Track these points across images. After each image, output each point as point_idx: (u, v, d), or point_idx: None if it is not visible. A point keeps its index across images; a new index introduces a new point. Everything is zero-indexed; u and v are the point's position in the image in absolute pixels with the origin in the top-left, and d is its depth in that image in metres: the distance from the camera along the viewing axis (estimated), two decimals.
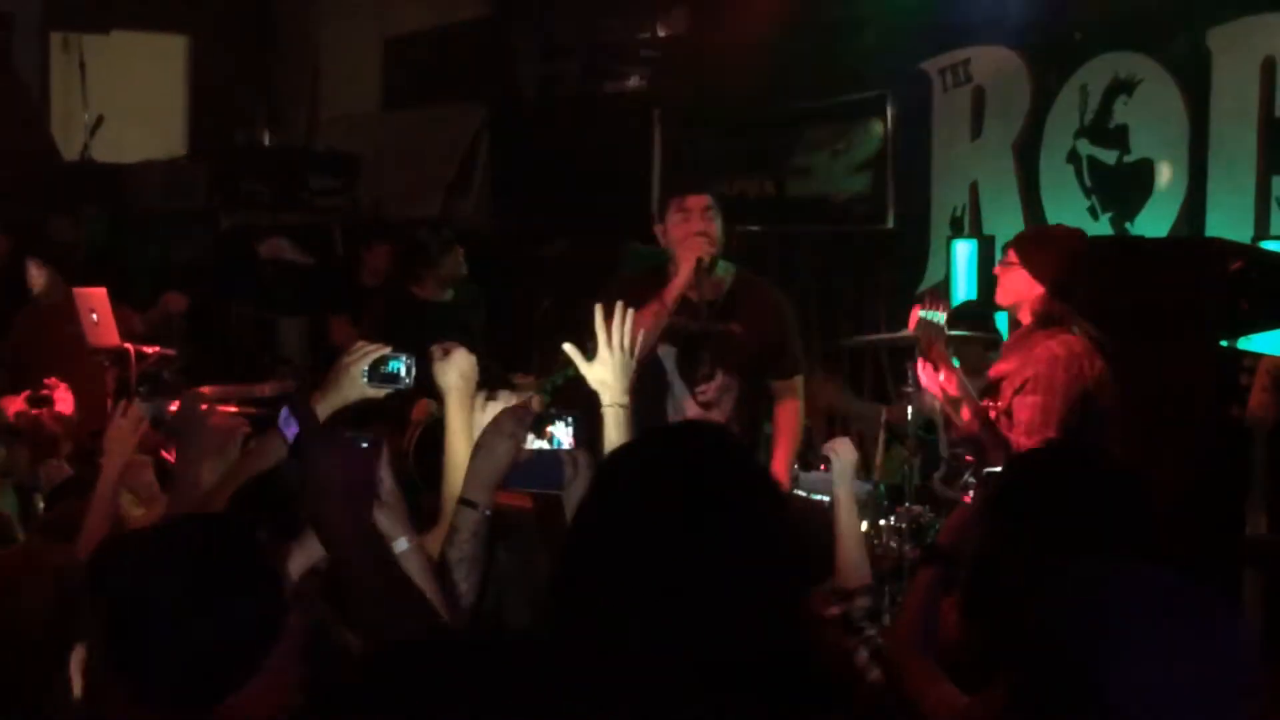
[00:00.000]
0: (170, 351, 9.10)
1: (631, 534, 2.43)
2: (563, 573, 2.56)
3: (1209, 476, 6.61)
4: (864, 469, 8.26)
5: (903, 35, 9.76)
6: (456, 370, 4.51)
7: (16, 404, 7.72)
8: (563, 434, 3.84)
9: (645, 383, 6.17)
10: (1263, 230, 7.98)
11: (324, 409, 4.51)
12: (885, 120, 10.14)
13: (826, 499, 7.20)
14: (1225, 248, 7.13)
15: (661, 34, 11.59)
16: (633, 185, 11.44)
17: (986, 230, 9.47)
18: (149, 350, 8.97)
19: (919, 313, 6.50)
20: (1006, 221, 9.32)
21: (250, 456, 4.54)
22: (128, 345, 8.82)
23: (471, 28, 12.89)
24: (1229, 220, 8.21)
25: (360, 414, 4.66)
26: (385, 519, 3.46)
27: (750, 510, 2.47)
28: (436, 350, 4.52)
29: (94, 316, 8.91)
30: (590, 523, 2.54)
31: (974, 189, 9.65)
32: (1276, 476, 6.17)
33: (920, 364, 6.50)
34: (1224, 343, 6.90)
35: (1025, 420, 6.10)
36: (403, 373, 4.50)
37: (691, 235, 6.57)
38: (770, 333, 6.70)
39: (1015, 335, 6.46)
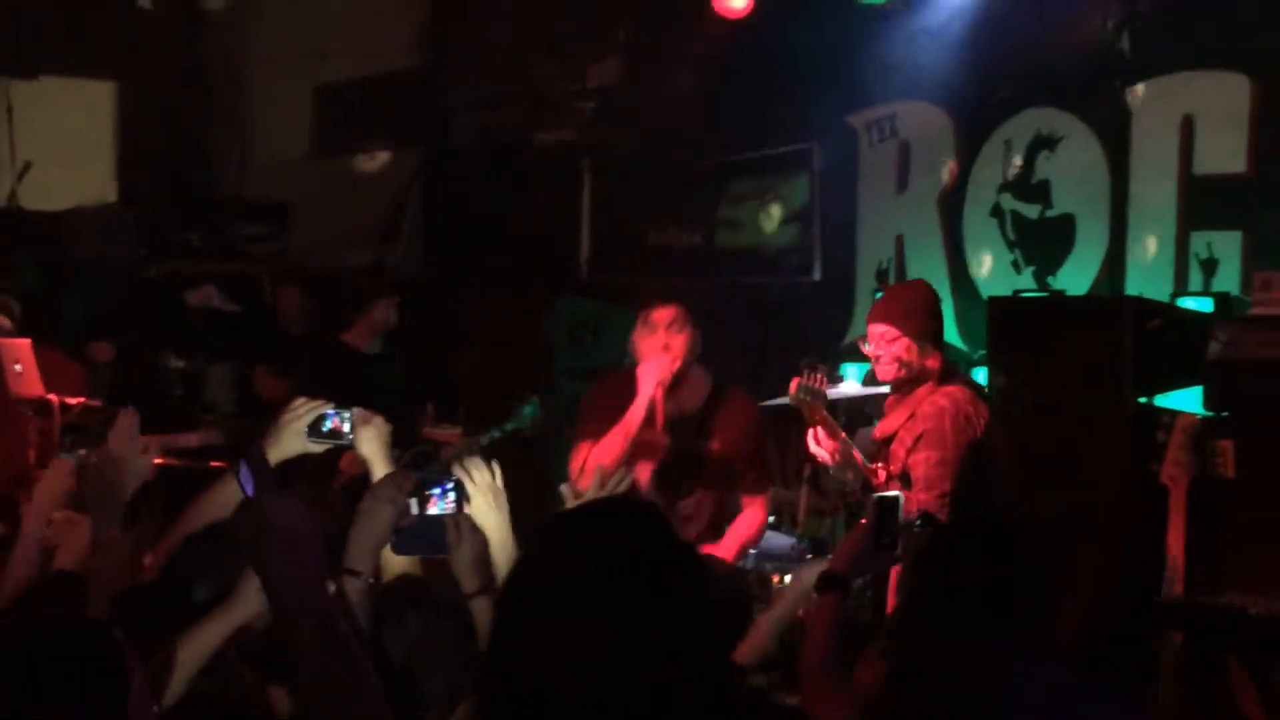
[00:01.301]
0: (96, 402, 9.04)
1: (555, 616, 2.45)
2: (491, 655, 2.58)
3: (1127, 534, 6.68)
4: (789, 521, 8.32)
5: (829, 89, 9.84)
6: (377, 437, 4.54)
7: None
8: (444, 499, 3.85)
9: None
10: (1181, 286, 8.08)
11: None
12: (812, 173, 10.21)
13: (752, 552, 7.25)
14: (1144, 306, 7.22)
15: (594, 84, 11.64)
16: (563, 236, 11.48)
17: None
18: (73, 401, 8.91)
19: (797, 382, 6.52)
20: (931, 274, 9.38)
21: (197, 509, 4.54)
22: (51, 396, 8.76)
23: (404, 76, 12.90)
24: (1149, 276, 8.31)
25: (290, 464, 4.67)
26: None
27: (669, 585, 2.49)
28: (356, 417, 4.54)
29: (18, 367, 8.85)
30: (515, 606, 2.55)
31: (899, 242, 9.74)
32: (1192, 535, 6.24)
33: (809, 431, 6.53)
34: (1142, 400, 6.98)
35: (921, 477, 6.15)
36: (345, 428, 4.52)
37: (656, 351, 6.61)
38: (744, 449, 6.79)
39: (895, 394, 6.50)
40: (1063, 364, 7.09)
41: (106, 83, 13.65)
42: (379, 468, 4.50)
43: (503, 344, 11.16)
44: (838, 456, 6.42)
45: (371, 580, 3.78)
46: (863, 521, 4.35)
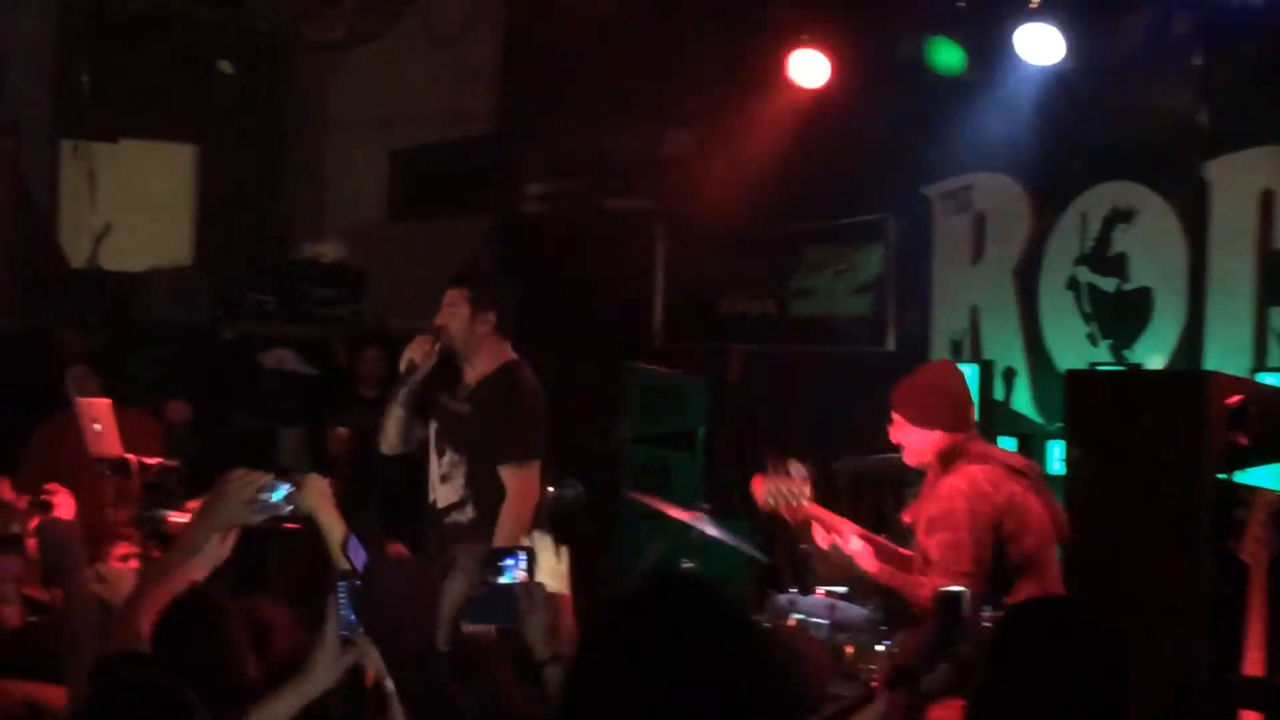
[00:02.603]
0: (173, 463, 9.11)
1: (625, 690, 2.46)
2: None
3: (1205, 612, 6.62)
4: (862, 593, 8.28)
5: (905, 160, 9.86)
6: (319, 494, 4.59)
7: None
8: (514, 568, 3.86)
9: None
10: (1260, 362, 8.04)
11: (201, 534, 4.53)
12: (886, 243, 10.22)
13: (825, 623, 7.23)
14: (1223, 381, 7.18)
15: (666, 152, 11.68)
16: (635, 303, 11.50)
17: (986, 354, 9.53)
18: (151, 461, 8.99)
19: (762, 483, 6.48)
20: (1006, 346, 9.39)
21: (178, 569, 4.59)
22: (129, 455, 8.84)
23: (477, 142, 12.99)
24: (1227, 350, 8.27)
25: None
26: None
27: (738, 664, 2.50)
28: (296, 482, 4.61)
29: (96, 427, 8.93)
30: (586, 679, 2.56)
31: (974, 313, 9.72)
32: (1273, 613, 6.17)
33: (814, 529, 6.48)
34: (1221, 476, 6.92)
35: (938, 560, 6.09)
36: (283, 501, 4.54)
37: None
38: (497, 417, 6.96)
39: (925, 482, 6.47)
40: (1140, 438, 7.05)
41: (186, 146, 13.82)
42: (327, 521, 4.53)
43: (573, 410, 11.17)
44: (845, 545, 6.35)
45: (447, 649, 3.81)
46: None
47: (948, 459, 6.30)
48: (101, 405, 8.88)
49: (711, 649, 2.50)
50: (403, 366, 7.17)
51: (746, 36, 10.20)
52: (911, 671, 4.10)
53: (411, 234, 13.44)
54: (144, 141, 13.60)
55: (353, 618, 3.79)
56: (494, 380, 7.10)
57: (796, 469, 6.41)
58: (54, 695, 4.80)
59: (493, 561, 3.88)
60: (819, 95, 9.78)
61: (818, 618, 7.27)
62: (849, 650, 6.95)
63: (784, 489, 6.38)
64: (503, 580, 3.86)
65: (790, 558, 8.70)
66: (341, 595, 3.89)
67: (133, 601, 4.46)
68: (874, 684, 6.64)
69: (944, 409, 6.38)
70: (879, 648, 7.20)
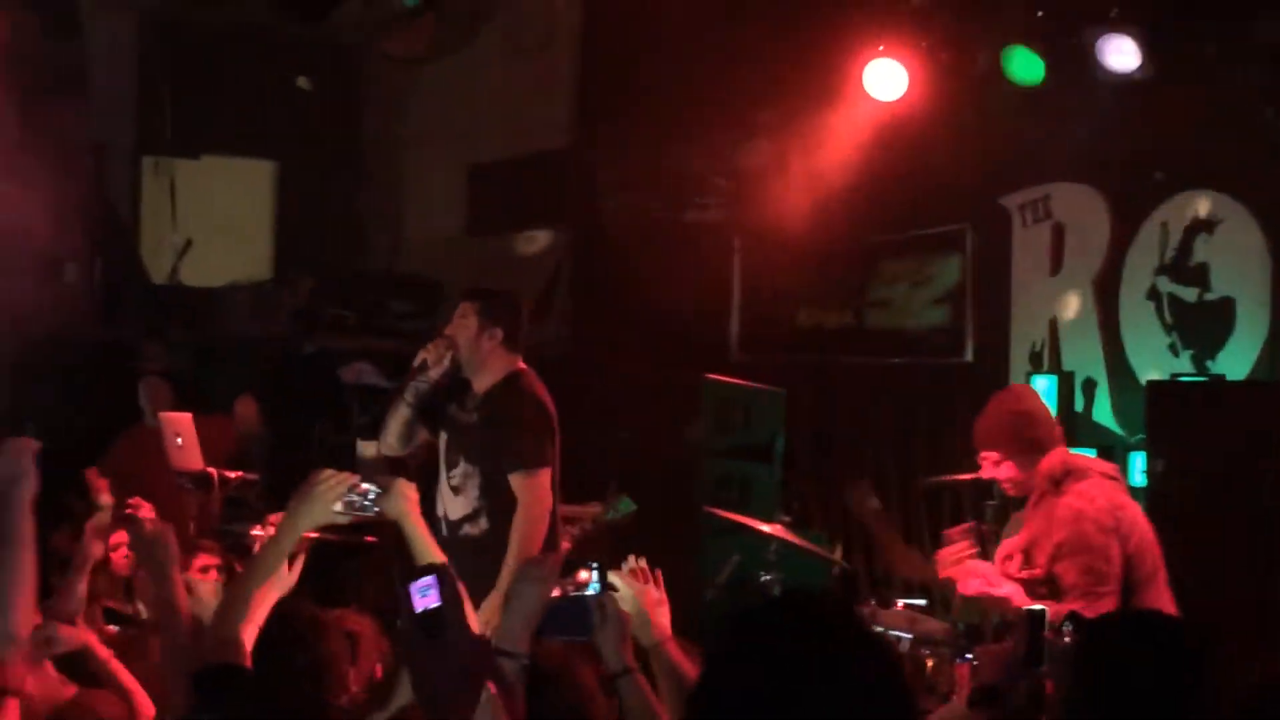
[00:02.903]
0: (253, 476, 9.19)
1: (754, 711, 2.45)
2: None
3: None
4: (943, 606, 8.26)
5: (983, 171, 9.82)
6: (404, 499, 4.61)
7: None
8: (593, 579, 3.87)
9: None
10: None
11: (289, 537, 4.58)
12: (965, 254, 10.18)
13: (907, 636, 7.21)
14: None
15: (743, 164, 11.68)
16: (712, 315, 11.50)
17: (1066, 366, 9.47)
18: (232, 474, 9.08)
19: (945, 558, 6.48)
20: (1086, 357, 9.33)
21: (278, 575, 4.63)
22: (211, 470, 8.92)
23: (554, 156, 13.02)
24: None
25: None
26: None
27: (862, 682, 2.49)
28: (381, 485, 4.64)
29: (179, 440, 9.03)
30: (714, 699, 2.55)
31: (1053, 324, 9.67)
32: None
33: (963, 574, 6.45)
34: None
35: (1072, 584, 6.03)
36: (369, 500, 4.56)
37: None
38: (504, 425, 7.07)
39: (1030, 504, 6.42)
40: (1222, 449, 7.00)
41: (266, 161, 13.92)
42: (412, 528, 4.55)
43: (651, 423, 11.18)
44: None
45: (526, 662, 3.81)
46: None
47: (1056, 481, 6.26)
48: (183, 419, 8.97)
49: (842, 666, 2.48)
50: (415, 364, 7.28)
51: (823, 48, 10.19)
52: (995, 689, 4.08)
53: (488, 248, 13.49)
54: (224, 157, 13.71)
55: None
56: (500, 389, 7.21)
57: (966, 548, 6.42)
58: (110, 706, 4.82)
59: (570, 571, 3.89)
60: (896, 106, 9.75)
61: (898, 630, 7.25)
62: (929, 663, 6.93)
63: (951, 557, 6.40)
64: (578, 592, 3.87)
65: (869, 570, 8.70)
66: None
67: (224, 611, 4.50)
68: (955, 698, 6.63)
69: (1039, 433, 6.36)
70: (959, 661, 7.19)
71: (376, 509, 4.58)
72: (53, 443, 4.85)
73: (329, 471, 4.61)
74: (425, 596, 3.82)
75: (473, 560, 6.96)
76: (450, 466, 7.29)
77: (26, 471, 4.28)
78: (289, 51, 13.55)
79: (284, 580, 4.62)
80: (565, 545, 8.02)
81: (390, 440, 7.50)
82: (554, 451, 7.19)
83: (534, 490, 6.98)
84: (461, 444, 7.23)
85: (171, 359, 11.14)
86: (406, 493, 4.62)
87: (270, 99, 13.63)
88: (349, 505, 4.51)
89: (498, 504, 7.04)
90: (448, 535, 7.08)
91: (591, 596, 3.86)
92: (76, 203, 11.96)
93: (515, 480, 7.00)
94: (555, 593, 3.87)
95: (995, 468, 6.35)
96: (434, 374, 7.25)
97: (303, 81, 13.38)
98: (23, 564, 4.23)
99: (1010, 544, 6.47)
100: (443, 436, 7.38)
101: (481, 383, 7.26)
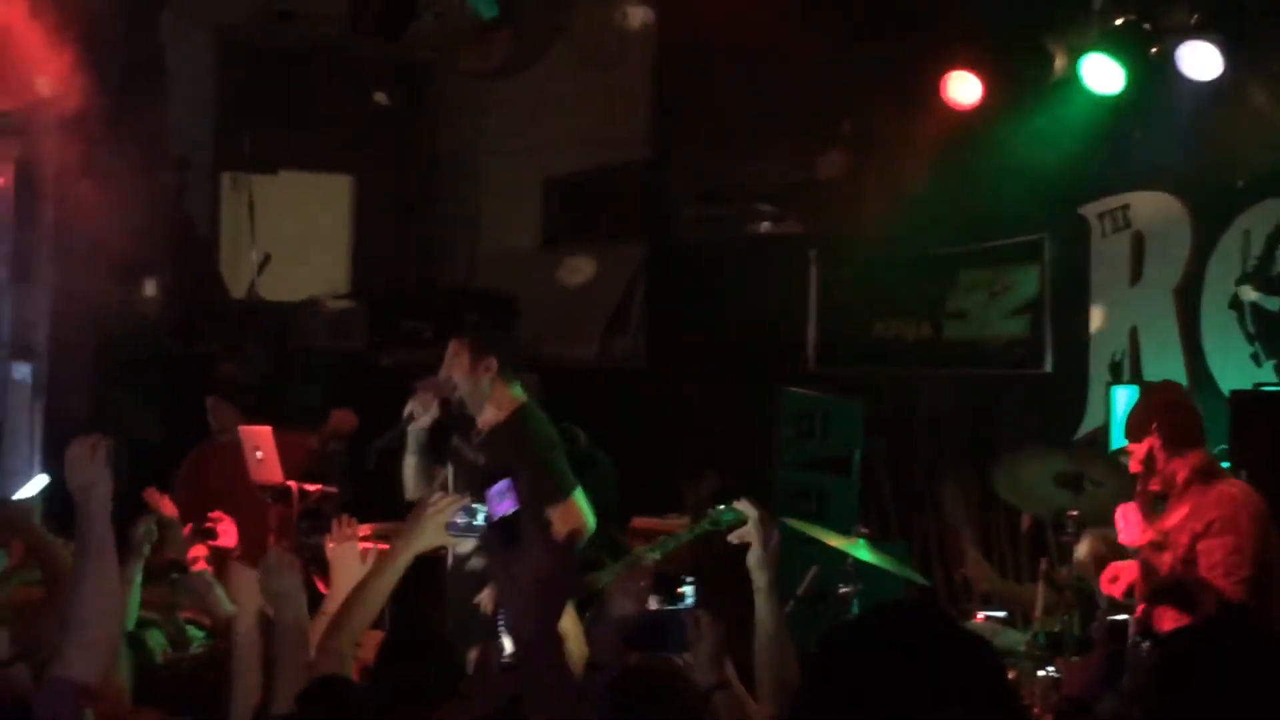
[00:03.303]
0: (332, 488, 9.22)
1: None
2: None
3: None
4: (1023, 618, 8.19)
5: (1061, 180, 9.75)
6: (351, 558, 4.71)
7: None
8: (689, 594, 3.88)
9: None
10: None
11: (405, 557, 4.63)
12: (1043, 264, 10.11)
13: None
14: None
15: (819, 175, 11.65)
16: (789, 327, 11.47)
17: (1147, 376, 9.38)
18: (311, 487, 9.11)
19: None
20: (1167, 367, 9.24)
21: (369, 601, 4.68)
22: (291, 482, 8.96)
23: (629, 169, 13.03)
24: None
25: None
26: None
27: (973, 684, 2.47)
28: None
29: (259, 454, 9.07)
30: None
31: (1133, 334, 9.58)
32: None
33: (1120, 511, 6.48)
34: None
35: (1219, 561, 6.08)
36: (479, 521, 4.60)
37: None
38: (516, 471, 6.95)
39: (1178, 491, 6.41)
40: None
41: (343, 176, 13.99)
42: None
43: (727, 435, 11.16)
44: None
45: (616, 674, 3.82)
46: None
47: (1207, 474, 6.32)
48: (263, 433, 9.01)
49: (949, 676, 2.46)
50: (404, 415, 7.36)
51: (900, 58, 10.16)
52: (1082, 702, 4.05)
53: (564, 261, 13.51)
54: (302, 173, 13.79)
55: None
56: (504, 430, 7.20)
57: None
58: None
59: (667, 585, 3.91)
60: (974, 115, 9.71)
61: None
62: (1010, 675, 6.87)
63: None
64: (671, 607, 3.89)
65: (948, 582, 8.64)
66: (501, 623, 3.92)
67: (337, 625, 4.53)
68: (1035, 711, 6.57)
69: (1197, 426, 6.42)
70: (1040, 674, 7.12)
71: (485, 529, 4.63)
72: (132, 458, 4.89)
73: (440, 494, 4.70)
74: (502, 502, 3.87)
75: (476, 593, 7.02)
76: None
77: (101, 476, 4.24)
78: (366, 67, 13.63)
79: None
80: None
81: (409, 489, 7.55)
82: (568, 470, 7.15)
83: (569, 516, 6.98)
84: (469, 481, 7.24)
85: (247, 373, 11.19)
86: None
87: (347, 115, 13.71)
88: (459, 527, 4.56)
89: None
90: (453, 569, 7.10)
91: (686, 611, 3.88)
92: (157, 218, 12.07)
93: (551, 513, 6.90)
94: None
95: (1148, 459, 6.37)
96: (423, 423, 7.32)
97: (380, 97, 13.45)
98: (108, 569, 4.20)
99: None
100: (449, 469, 7.44)
101: (485, 418, 7.27)
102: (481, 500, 7.19)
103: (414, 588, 4.98)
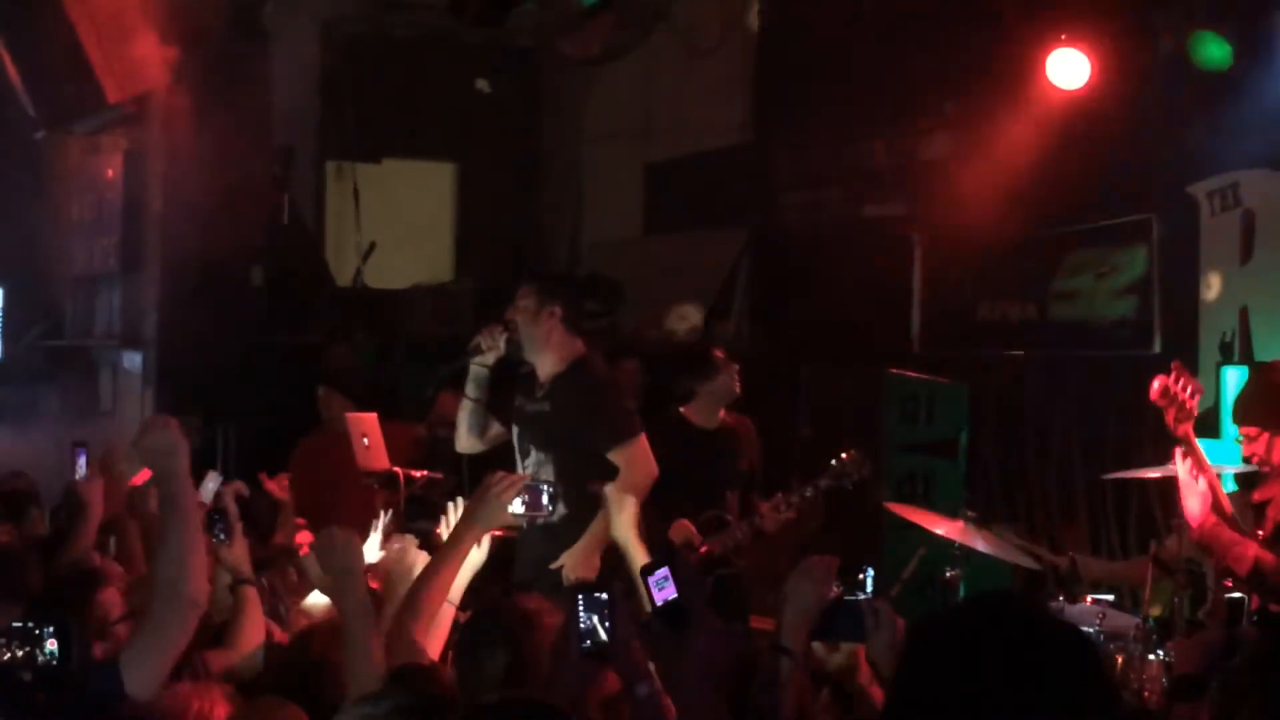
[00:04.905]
0: (438, 475, 9.26)
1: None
2: None
3: None
4: (1132, 599, 8.11)
5: (1169, 159, 9.64)
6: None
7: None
8: (867, 582, 3.87)
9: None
10: None
11: (471, 535, 4.63)
12: (1151, 244, 10.00)
13: (1094, 631, 7.09)
14: None
15: (923, 157, 11.58)
16: (893, 310, 11.41)
17: (1258, 356, 9.26)
18: (417, 474, 9.15)
19: (1162, 382, 6.22)
20: (1278, 347, 9.11)
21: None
22: (397, 469, 9.00)
23: (732, 153, 13.01)
24: None
25: None
26: None
27: (1071, 680, 2.45)
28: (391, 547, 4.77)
29: (365, 441, 9.11)
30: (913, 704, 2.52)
31: (1244, 314, 9.45)
32: None
33: (1177, 453, 6.27)
34: None
35: None
36: (544, 500, 4.59)
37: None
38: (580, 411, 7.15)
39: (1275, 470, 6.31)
40: None
41: (446, 164, 14.07)
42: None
43: (833, 419, 11.12)
44: (1196, 479, 6.11)
45: (803, 660, 3.83)
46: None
47: None
48: (369, 420, 9.06)
49: (1047, 667, 2.44)
50: (469, 347, 7.48)
51: (1003, 38, 10.07)
52: (1199, 681, 4.00)
53: (667, 246, 13.52)
54: (406, 161, 13.88)
55: (597, 631, 3.76)
56: (567, 376, 7.30)
57: (1196, 384, 6.19)
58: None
59: (843, 574, 3.90)
60: (1079, 95, 9.60)
61: (1087, 626, 7.13)
62: (1119, 659, 6.80)
63: (1179, 397, 6.16)
64: (851, 596, 3.88)
65: (1055, 566, 8.57)
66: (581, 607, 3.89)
67: (407, 611, 4.54)
68: (1146, 694, 6.51)
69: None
70: (1150, 657, 7.04)
71: (551, 507, 4.62)
72: (239, 445, 4.96)
73: (503, 473, 4.67)
74: (663, 589, 3.80)
75: (545, 546, 7.16)
76: (523, 456, 7.42)
77: (178, 444, 4.36)
78: (468, 56, 13.71)
79: (475, 561, 4.68)
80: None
81: (461, 436, 7.60)
82: (637, 415, 7.31)
83: (634, 458, 7.12)
84: (532, 433, 7.32)
85: (356, 361, 11.27)
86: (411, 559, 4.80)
87: (450, 103, 13.79)
88: (525, 504, 4.56)
89: (573, 490, 7.07)
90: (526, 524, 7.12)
91: (865, 600, 3.87)
92: (262, 207, 12.19)
93: (615, 457, 7.11)
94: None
95: (1253, 444, 6.25)
96: (489, 358, 7.36)
97: (482, 84, 13.51)
98: (192, 530, 4.31)
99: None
100: (514, 430, 7.48)
101: (545, 368, 7.36)
102: (548, 451, 7.23)
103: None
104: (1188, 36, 8.98)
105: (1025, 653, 2.45)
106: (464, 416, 7.61)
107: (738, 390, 8.76)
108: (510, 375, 7.72)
